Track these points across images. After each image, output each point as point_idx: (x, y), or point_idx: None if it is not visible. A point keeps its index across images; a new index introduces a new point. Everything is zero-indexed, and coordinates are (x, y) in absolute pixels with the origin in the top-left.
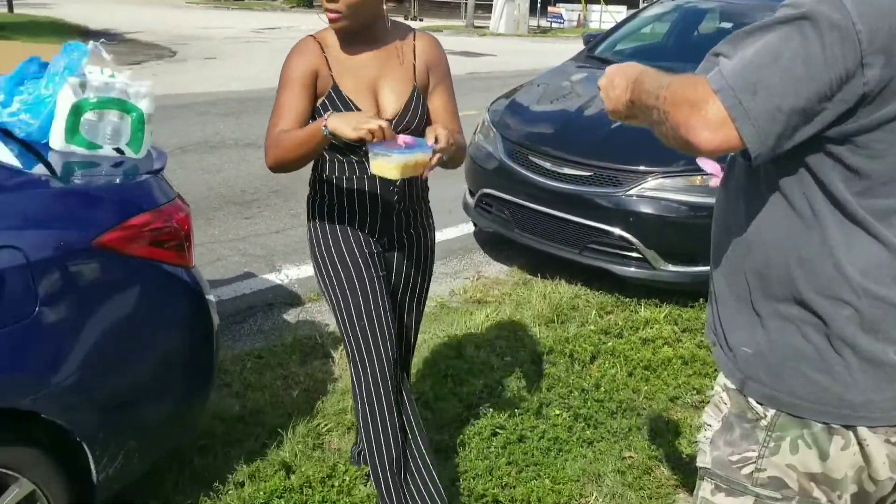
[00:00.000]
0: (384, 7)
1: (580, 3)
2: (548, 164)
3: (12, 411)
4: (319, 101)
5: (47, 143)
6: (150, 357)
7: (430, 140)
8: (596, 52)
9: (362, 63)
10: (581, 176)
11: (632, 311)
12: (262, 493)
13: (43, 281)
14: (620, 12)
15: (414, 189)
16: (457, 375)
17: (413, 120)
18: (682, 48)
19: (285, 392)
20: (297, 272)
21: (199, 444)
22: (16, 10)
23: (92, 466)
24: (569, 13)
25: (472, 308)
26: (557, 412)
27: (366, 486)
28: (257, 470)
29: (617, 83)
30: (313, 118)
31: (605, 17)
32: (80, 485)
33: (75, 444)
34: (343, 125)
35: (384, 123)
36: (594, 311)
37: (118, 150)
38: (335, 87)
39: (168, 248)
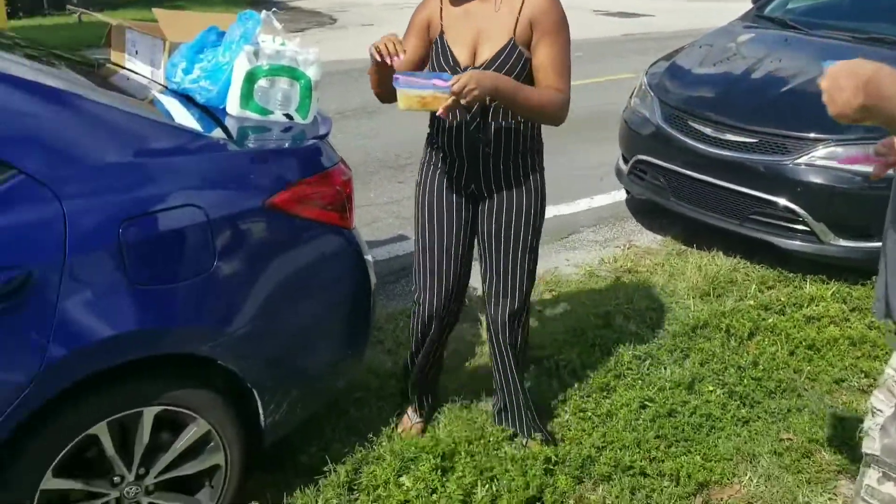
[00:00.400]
0: None
1: None
2: (709, 130)
3: (192, 357)
4: (431, 45)
5: (224, 109)
6: (313, 312)
7: (451, 81)
8: (766, 12)
9: (468, 14)
10: (745, 143)
11: (795, 287)
12: (412, 447)
13: (220, 238)
14: None
15: (507, 142)
16: (605, 345)
17: (502, 70)
18: (863, 5)
19: None
20: None
21: (354, 397)
22: None
23: (260, 412)
24: None
25: (622, 277)
26: (711, 388)
27: (512, 446)
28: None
29: (844, 84)
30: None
31: None
32: (248, 429)
33: (246, 391)
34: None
35: (392, 37)
36: (754, 286)
37: (288, 115)
38: (440, 36)
39: (331, 210)
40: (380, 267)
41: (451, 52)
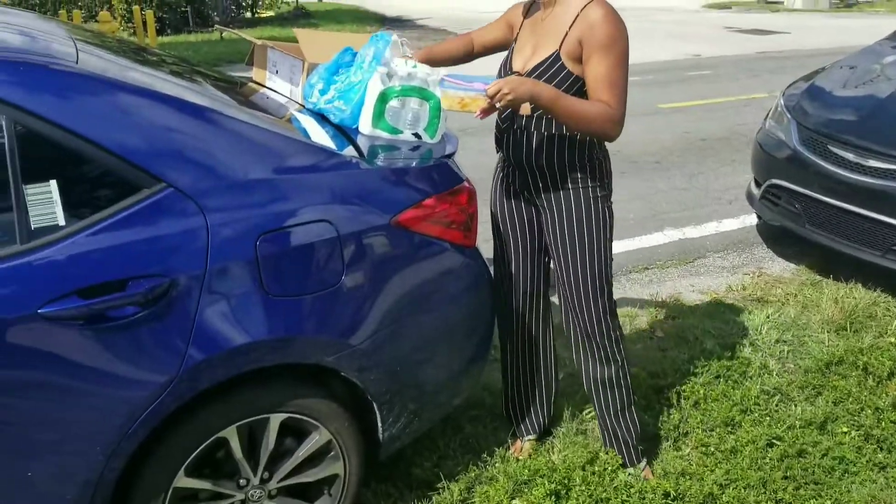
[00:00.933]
0: None
1: None
2: (850, 156)
3: (317, 367)
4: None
5: (356, 128)
6: (434, 328)
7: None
8: None
9: (535, 26)
10: (890, 170)
11: None
12: (526, 469)
13: (348, 253)
14: None
15: (549, 150)
16: (730, 377)
17: (541, 79)
18: None
19: None
20: None
21: (470, 414)
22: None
23: (379, 424)
24: None
25: (750, 306)
26: (845, 429)
27: (627, 475)
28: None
29: None
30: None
31: None
32: (367, 440)
33: (366, 403)
34: None
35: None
36: (895, 322)
37: (416, 134)
38: (515, 39)
39: (455, 228)
40: None
41: (511, 58)
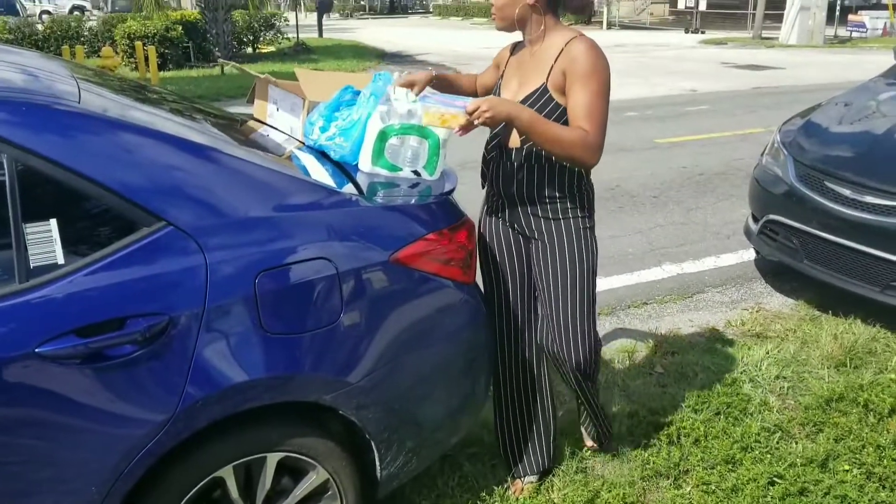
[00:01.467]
0: (525, 15)
1: (888, 9)
2: (847, 192)
3: (316, 405)
4: None
5: (356, 165)
6: (432, 365)
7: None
8: None
9: (520, 63)
10: (887, 206)
11: None
12: None
13: (347, 290)
14: None
15: (528, 182)
16: (730, 414)
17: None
18: None
19: None
20: None
21: (468, 452)
22: (324, 35)
23: (377, 462)
24: (872, 21)
25: (749, 342)
26: (847, 467)
27: None
28: None
29: None
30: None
31: None
32: (364, 479)
33: (364, 441)
34: None
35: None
36: (895, 358)
37: (416, 172)
38: (502, 76)
39: (454, 265)
40: None
41: (500, 91)
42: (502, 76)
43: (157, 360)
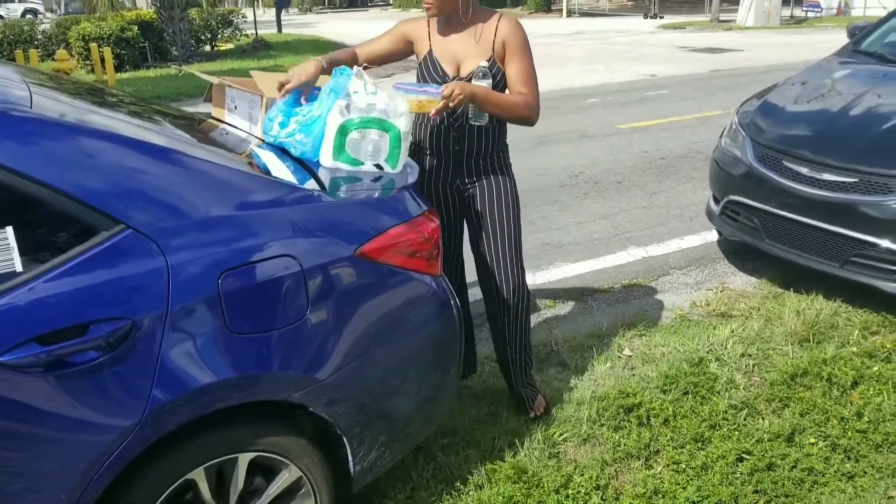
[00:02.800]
0: (461, 2)
1: None
2: (805, 170)
3: (286, 404)
4: (420, 59)
5: (317, 161)
6: (401, 358)
7: (441, 89)
8: (863, 46)
9: (451, 39)
10: (844, 182)
11: None
12: (500, 496)
13: (313, 287)
14: None
15: (477, 140)
16: (698, 393)
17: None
18: None
19: None
20: (533, 278)
21: (441, 443)
22: (283, 31)
23: (349, 458)
24: (827, 0)
25: (715, 322)
26: (812, 440)
27: (601, 498)
28: (494, 472)
29: None
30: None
31: (870, 4)
32: (337, 475)
33: (336, 438)
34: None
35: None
36: (857, 331)
37: (378, 165)
38: (430, 53)
39: (419, 257)
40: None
41: (440, 65)
42: (431, 51)
43: (121, 365)
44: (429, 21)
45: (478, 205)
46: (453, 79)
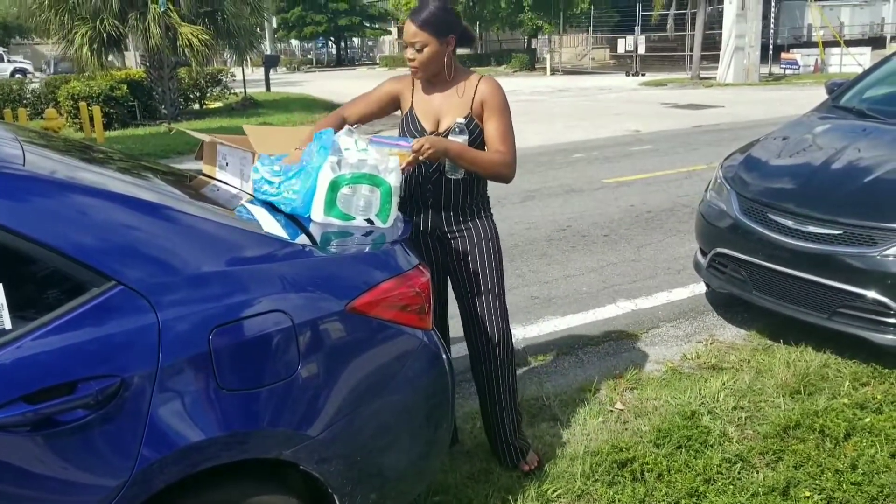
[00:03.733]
0: (444, 62)
1: (817, 46)
2: (790, 223)
3: (276, 461)
4: (403, 115)
5: (308, 217)
6: (394, 414)
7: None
8: (842, 102)
9: (433, 97)
10: (828, 234)
11: (892, 384)
12: None
13: (304, 342)
14: (864, 54)
15: (453, 193)
16: (692, 447)
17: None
18: None
19: None
20: (523, 332)
21: (433, 500)
22: (272, 89)
23: None
24: (804, 58)
25: (706, 374)
26: (807, 494)
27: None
28: None
29: None
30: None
31: (846, 61)
32: None
33: (327, 496)
34: None
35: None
36: (847, 383)
37: (369, 220)
38: (410, 110)
39: (410, 311)
40: (457, 364)
41: (419, 122)
42: (412, 109)
43: (110, 424)
44: (413, 80)
45: (460, 256)
46: (431, 133)
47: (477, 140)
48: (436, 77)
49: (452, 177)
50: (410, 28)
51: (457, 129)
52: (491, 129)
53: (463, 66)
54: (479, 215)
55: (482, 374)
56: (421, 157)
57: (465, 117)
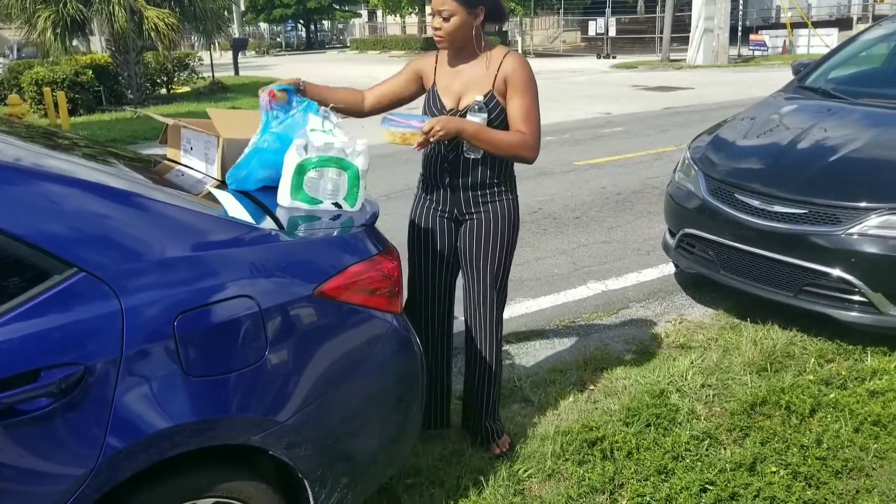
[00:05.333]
0: (472, 35)
1: (785, 28)
2: (756, 202)
3: (245, 448)
4: (426, 92)
5: (276, 201)
6: (364, 398)
7: (424, 124)
8: (807, 82)
9: (456, 72)
10: (794, 214)
11: (856, 360)
12: None
13: (271, 327)
14: (830, 35)
15: (472, 173)
16: (660, 424)
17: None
18: None
19: None
20: None
21: (405, 483)
22: (241, 73)
23: (311, 501)
24: (773, 39)
25: (675, 353)
26: (774, 469)
27: None
28: None
29: None
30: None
31: (813, 42)
32: None
33: (297, 481)
34: None
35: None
36: (812, 360)
37: (336, 204)
38: (433, 86)
39: (380, 295)
40: None
41: (440, 99)
42: (435, 85)
43: (74, 412)
44: (437, 55)
45: (472, 238)
46: (450, 111)
47: (498, 119)
48: (462, 51)
49: (470, 156)
50: None
51: (476, 108)
52: (514, 107)
53: (429, 48)
54: (500, 197)
55: (473, 353)
56: (432, 139)
57: (486, 95)
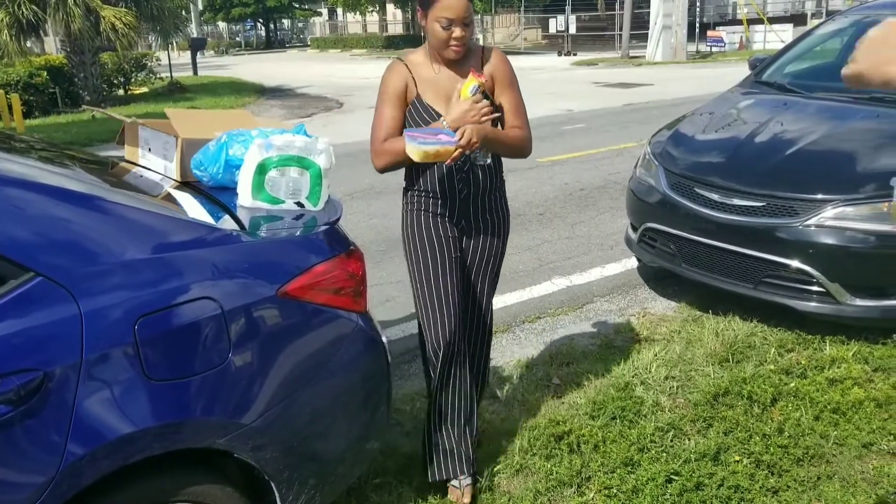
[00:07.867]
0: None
1: (742, 24)
2: (715, 196)
3: (210, 451)
4: (409, 105)
5: (236, 201)
6: (329, 398)
7: (457, 136)
8: (764, 77)
9: (439, 78)
10: (752, 207)
11: (815, 349)
12: None
13: (234, 329)
14: (786, 30)
15: (482, 181)
16: (626, 417)
17: None
18: None
19: None
20: None
21: (374, 482)
22: (199, 73)
23: (278, 503)
24: (730, 35)
25: (639, 346)
26: (737, 458)
27: None
28: None
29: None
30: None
31: (769, 38)
32: None
33: (263, 483)
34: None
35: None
36: (773, 350)
37: (299, 203)
38: (417, 98)
39: (344, 294)
40: (394, 346)
41: (431, 109)
42: (419, 96)
43: (34, 419)
44: (407, 68)
45: (477, 242)
46: None
47: (496, 113)
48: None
49: (480, 163)
50: (462, 2)
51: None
52: (505, 103)
53: (390, 46)
54: (502, 202)
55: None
56: (468, 152)
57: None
